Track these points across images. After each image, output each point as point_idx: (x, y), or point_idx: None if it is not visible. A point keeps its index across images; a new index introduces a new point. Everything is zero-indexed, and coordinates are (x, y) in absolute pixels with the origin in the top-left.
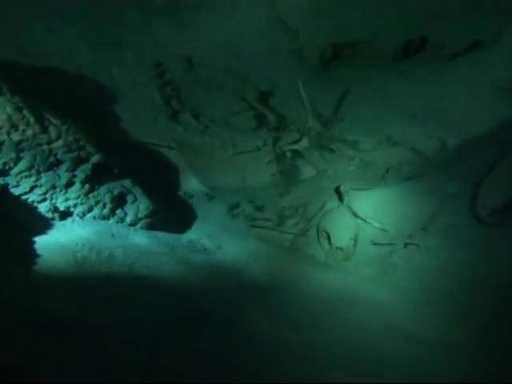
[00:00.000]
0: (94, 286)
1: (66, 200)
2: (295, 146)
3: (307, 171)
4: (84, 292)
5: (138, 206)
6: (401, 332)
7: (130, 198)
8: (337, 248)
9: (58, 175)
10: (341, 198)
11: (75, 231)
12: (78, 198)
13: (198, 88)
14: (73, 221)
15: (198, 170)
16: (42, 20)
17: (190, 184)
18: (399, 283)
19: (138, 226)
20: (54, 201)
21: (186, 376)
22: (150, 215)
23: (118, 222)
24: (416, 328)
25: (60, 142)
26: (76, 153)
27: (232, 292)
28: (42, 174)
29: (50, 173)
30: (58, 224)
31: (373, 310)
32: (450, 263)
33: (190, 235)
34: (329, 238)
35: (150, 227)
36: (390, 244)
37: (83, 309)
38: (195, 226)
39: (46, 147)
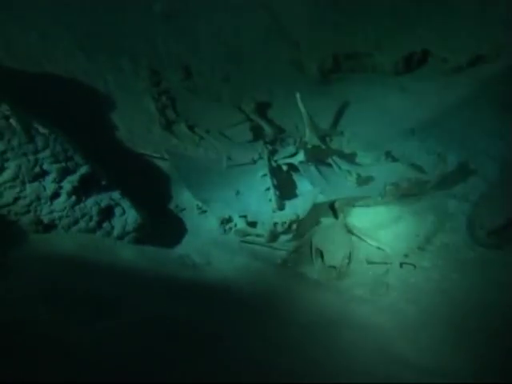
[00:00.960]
0: (73, 304)
1: (51, 212)
2: (291, 160)
3: (303, 186)
4: (62, 310)
5: (126, 219)
6: (393, 357)
7: (117, 211)
8: (330, 266)
9: (44, 186)
10: (336, 215)
11: (58, 245)
12: (63, 210)
13: (194, 98)
14: (57, 234)
15: (191, 183)
16: (37, 24)
17: (182, 196)
18: (393, 305)
19: (126, 239)
20: (38, 213)
21: None
22: (138, 229)
23: (104, 236)
24: (410, 353)
25: (47, 152)
26: (63, 163)
27: (217, 313)
28: (27, 185)
29: (35, 184)
30: (41, 237)
31: (364, 333)
32: (446, 285)
33: (180, 250)
34: (322, 256)
35: (138, 241)
36: (385, 263)
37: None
38: (185, 240)
39: (31, 157)
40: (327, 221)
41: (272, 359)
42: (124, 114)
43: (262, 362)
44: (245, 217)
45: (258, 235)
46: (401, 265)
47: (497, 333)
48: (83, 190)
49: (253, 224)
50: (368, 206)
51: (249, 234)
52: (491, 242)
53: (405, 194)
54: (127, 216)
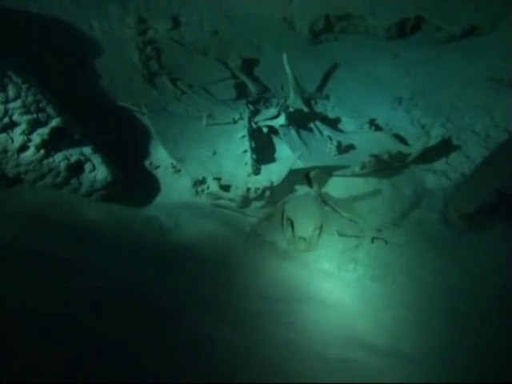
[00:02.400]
0: (29, 265)
1: (17, 166)
2: (272, 123)
3: (281, 150)
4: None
5: (96, 175)
6: (351, 338)
7: (87, 167)
8: (300, 237)
9: (12, 138)
10: (310, 184)
11: (21, 201)
12: (30, 164)
13: (180, 49)
14: (21, 189)
15: (167, 140)
16: None
17: (158, 153)
18: (359, 281)
19: (93, 197)
20: (3, 166)
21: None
22: (106, 186)
23: (70, 193)
24: (370, 334)
25: (18, 103)
26: (34, 115)
27: (177, 283)
28: None
29: (3, 135)
30: (3, 191)
31: (326, 310)
32: (415, 263)
33: (149, 211)
34: (293, 226)
35: (107, 199)
36: (357, 237)
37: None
38: (156, 201)
39: (1, 107)
40: (302, 189)
41: (227, 337)
42: (107, 62)
43: (215, 340)
44: (219, 179)
45: (230, 199)
46: (372, 240)
47: (462, 317)
48: (53, 143)
49: (226, 187)
50: (345, 176)
51: (221, 198)
52: (463, 225)
53: (384, 166)
54: (97, 173)
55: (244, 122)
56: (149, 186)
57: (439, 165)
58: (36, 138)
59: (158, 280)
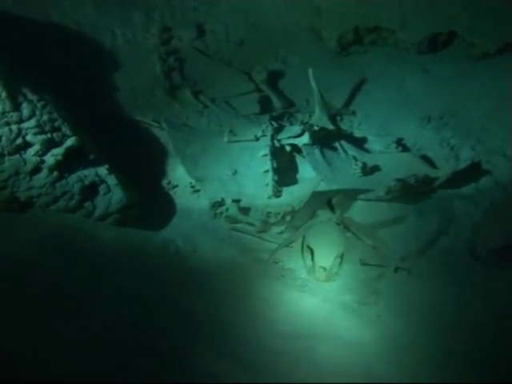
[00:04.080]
0: (37, 303)
1: (29, 189)
2: (295, 141)
3: (304, 171)
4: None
5: (110, 198)
6: (370, 379)
7: (102, 189)
8: (320, 266)
9: (24, 160)
10: (333, 209)
11: (33, 227)
12: (42, 187)
13: (204, 60)
14: (32, 214)
15: (186, 157)
16: None
17: (176, 172)
18: (380, 317)
19: (108, 221)
20: (15, 189)
21: None
22: (122, 210)
23: (84, 217)
24: (389, 376)
25: (32, 122)
26: (49, 134)
27: (190, 319)
28: (6, 158)
29: (16, 157)
30: (14, 217)
31: (344, 349)
32: (440, 298)
33: (165, 234)
34: (313, 254)
35: (122, 223)
36: (379, 266)
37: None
38: (172, 223)
39: (14, 127)
40: (323, 214)
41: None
42: (128, 73)
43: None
44: (238, 201)
45: (248, 223)
46: (396, 269)
47: (488, 359)
48: (67, 164)
49: (246, 210)
50: (369, 200)
51: (239, 222)
52: (491, 260)
53: (410, 191)
54: (112, 195)
55: (266, 140)
56: (166, 207)
57: (468, 190)
58: (50, 159)
59: (168, 317)
